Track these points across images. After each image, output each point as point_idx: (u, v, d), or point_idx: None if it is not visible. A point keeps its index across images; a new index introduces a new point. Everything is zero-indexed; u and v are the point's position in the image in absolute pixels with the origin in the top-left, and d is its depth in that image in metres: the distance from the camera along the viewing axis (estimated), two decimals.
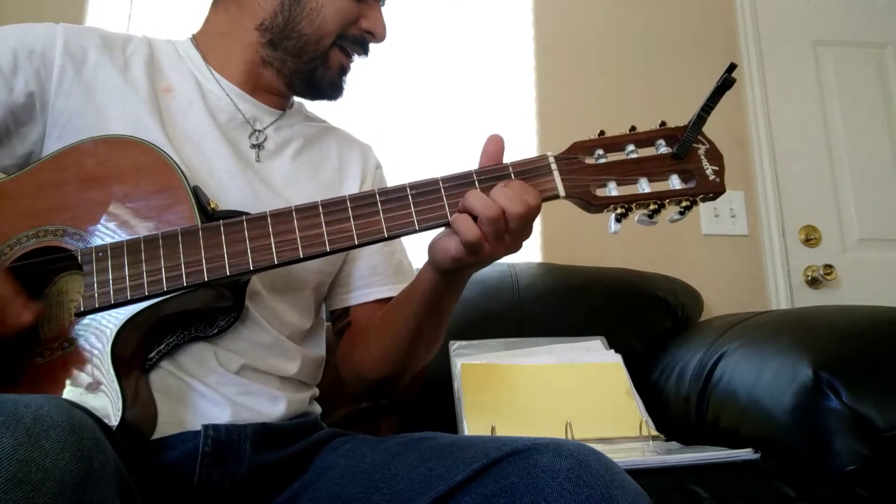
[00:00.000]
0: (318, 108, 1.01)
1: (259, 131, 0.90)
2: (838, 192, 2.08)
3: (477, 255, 0.70)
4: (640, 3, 2.15)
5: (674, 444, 1.16)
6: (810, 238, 2.03)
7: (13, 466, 0.42)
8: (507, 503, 0.57)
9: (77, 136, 0.76)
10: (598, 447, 0.63)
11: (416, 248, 1.08)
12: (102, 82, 0.81)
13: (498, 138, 0.74)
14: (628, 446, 1.16)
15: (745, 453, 0.98)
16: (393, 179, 1.04)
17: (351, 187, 0.96)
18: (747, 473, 0.95)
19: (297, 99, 0.98)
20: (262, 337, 0.81)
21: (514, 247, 0.72)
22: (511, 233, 0.70)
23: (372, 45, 0.93)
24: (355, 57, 0.92)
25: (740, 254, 2.01)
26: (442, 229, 0.73)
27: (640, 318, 1.60)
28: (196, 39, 0.92)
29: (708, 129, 0.74)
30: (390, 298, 0.95)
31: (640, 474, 0.68)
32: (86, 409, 0.55)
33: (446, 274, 0.76)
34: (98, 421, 0.56)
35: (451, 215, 0.71)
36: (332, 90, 0.92)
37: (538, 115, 2.01)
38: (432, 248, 0.75)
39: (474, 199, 0.69)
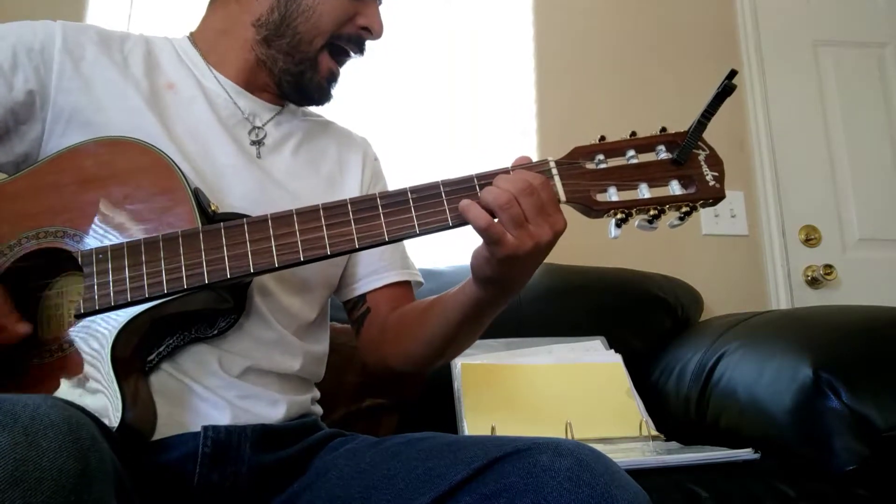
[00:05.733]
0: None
1: (258, 128, 0.90)
2: (838, 192, 2.08)
3: (500, 245, 0.68)
4: (640, 3, 2.15)
5: (674, 444, 1.16)
6: (810, 238, 2.03)
7: (10, 466, 0.42)
8: (506, 502, 0.57)
9: (81, 133, 0.76)
10: (598, 447, 0.63)
11: (425, 250, 1.08)
12: (101, 78, 0.82)
13: (526, 158, 0.74)
14: (628, 446, 1.16)
15: (745, 453, 0.98)
16: (391, 180, 1.05)
17: (352, 180, 0.97)
18: (747, 473, 0.95)
19: None
20: (266, 333, 0.81)
21: (542, 235, 0.69)
22: (530, 219, 0.69)
23: (370, 43, 0.93)
24: (352, 55, 0.92)
25: (740, 254, 2.01)
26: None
27: (640, 318, 1.60)
28: (194, 37, 0.93)
29: (708, 128, 0.74)
30: (402, 283, 0.96)
31: (640, 474, 0.68)
32: (83, 409, 0.55)
33: (486, 283, 0.75)
34: (96, 421, 0.56)
35: (451, 220, 0.71)
36: (319, 95, 0.92)
37: (538, 116, 2.01)
38: (471, 260, 0.75)
39: (485, 192, 0.69)
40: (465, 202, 0.70)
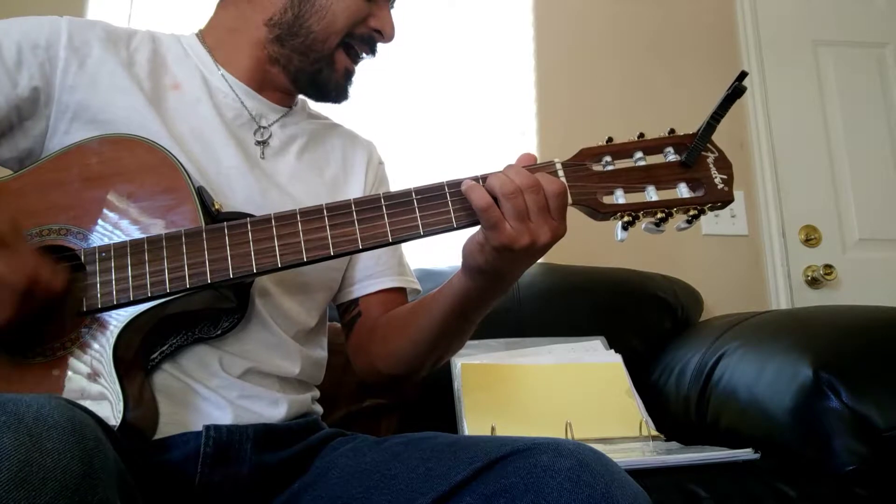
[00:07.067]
0: (318, 105, 1.01)
1: (264, 128, 0.90)
2: (838, 192, 2.08)
3: (497, 230, 0.68)
4: (640, 3, 2.15)
5: (674, 444, 1.16)
6: (810, 238, 2.03)
7: (15, 466, 0.42)
8: (507, 503, 0.57)
9: (85, 130, 0.76)
10: (598, 447, 0.63)
11: (425, 250, 1.08)
12: (106, 76, 0.81)
13: (530, 155, 0.74)
14: (628, 446, 1.16)
15: (745, 453, 0.98)
16: (392, 180, 1.04)
17: (355, 184, 0.97)
18: (747, 473, 0.95)
19: (301, 96, 0.98)
20: (267, 337, 0.81)
21: (541, 235, 0.69)
22: (532, 216, 0.69)
23: (379, 46, 0.93)
24: (363, 56, 0.92)
25: (740, 254, 2.01)
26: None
27: (640, 318, 1.60)
28: (203, 35, 0.92)
29: None
30: (396, 289, 0.96)
31: (640, 474, 0.68)
32: (87, 409, 0.55)
33: (475, 273, 0.75)
34: (99, 421, 0.57)
35: (456, 221, 0.71)
36: (336, 93, 0.92)
37: (538, 116, 2.01)
38: (464, 246, 0.75)
39: (493, 177, 0.70)
40: (468, 182, 0.70)
